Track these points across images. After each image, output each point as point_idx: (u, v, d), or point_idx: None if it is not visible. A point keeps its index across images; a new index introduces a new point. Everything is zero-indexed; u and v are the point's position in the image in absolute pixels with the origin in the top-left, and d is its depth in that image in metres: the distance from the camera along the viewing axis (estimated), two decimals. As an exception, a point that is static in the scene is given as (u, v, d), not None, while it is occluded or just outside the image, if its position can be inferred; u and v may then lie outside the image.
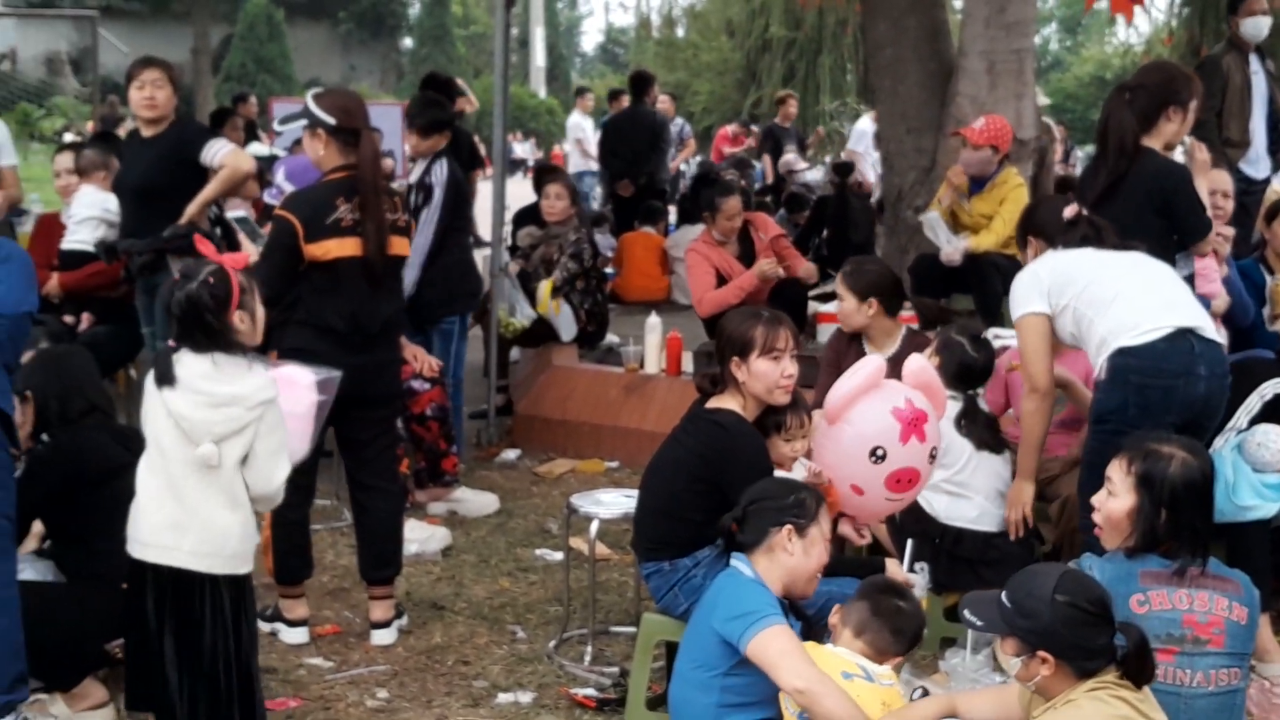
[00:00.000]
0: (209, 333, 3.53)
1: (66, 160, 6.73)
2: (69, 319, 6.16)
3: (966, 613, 3.20)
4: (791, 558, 3.57)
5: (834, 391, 4.08)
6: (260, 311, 3.67)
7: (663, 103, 14.47)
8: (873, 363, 4.11)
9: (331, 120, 4.58)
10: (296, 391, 3.75)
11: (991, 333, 5.99)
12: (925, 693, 3.62)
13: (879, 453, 3.99)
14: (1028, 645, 3.03)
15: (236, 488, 3.57)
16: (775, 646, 3.38)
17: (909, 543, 4.30)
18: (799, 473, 4.20)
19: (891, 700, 3.41)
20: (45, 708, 4.07)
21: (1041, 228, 4.81)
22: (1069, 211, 4.60)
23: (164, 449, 3.56)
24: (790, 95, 16.20)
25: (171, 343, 3.55)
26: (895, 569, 4.18)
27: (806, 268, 7.55)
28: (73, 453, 4.11)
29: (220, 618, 3.58)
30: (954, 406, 4.68)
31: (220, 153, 5.82)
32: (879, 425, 4.01)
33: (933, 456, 4.14)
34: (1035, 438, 4.60)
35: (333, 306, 4.55)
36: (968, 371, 4.81)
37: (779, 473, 4.02)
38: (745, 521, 3.63)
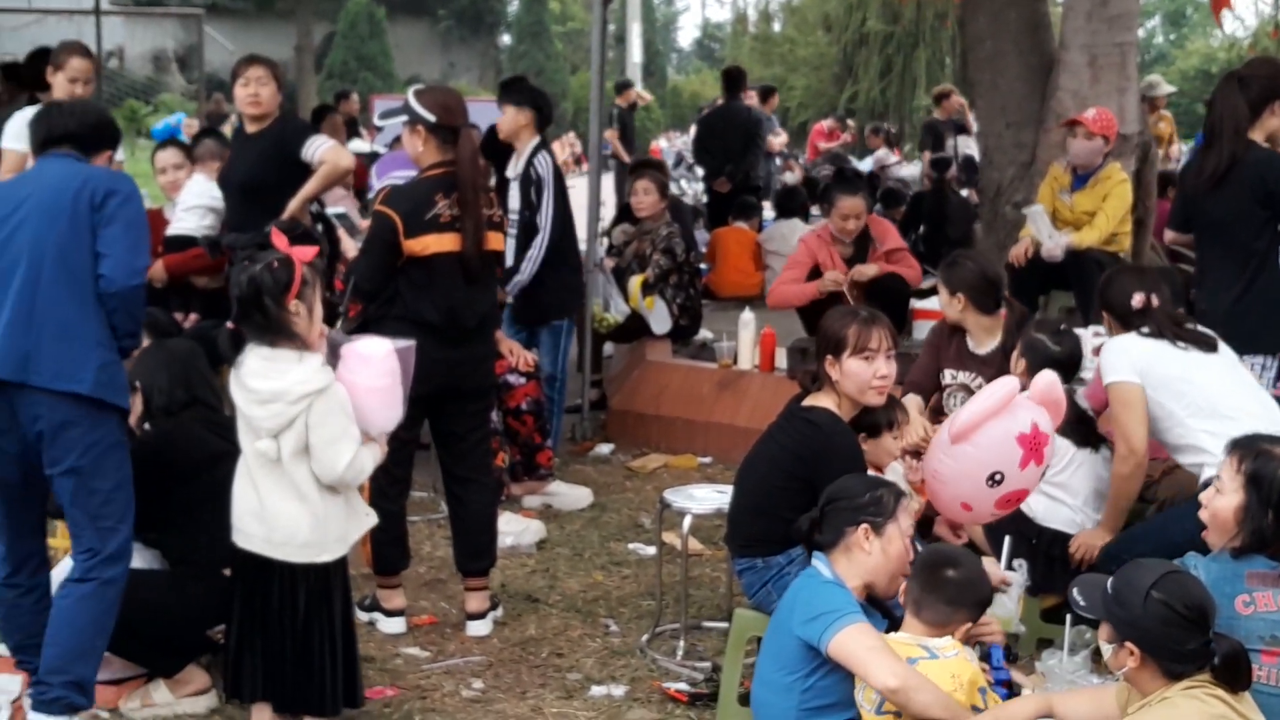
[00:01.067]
0: (265, 316, 3.64)
1: (171, 156, 6.77)
2: (178, 314, 6.26)
3: (1075, 592, 3.21)
4: (870, 557, 3.55)
5: (965, 411, 4.04)
6: (319, 310, 3.75)
7: (751, 98, 14.48)
8: (1006, 386, 4.05)
9: (431, 117, 4.63)
10: (373, 366, 3.80)
11: (1091, 330, 5.90)
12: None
13: (997, 478, 3.95)
14: (1118, 634, 3.04)
15: (299, 478, 3.68)
16: (861, 644, 3.36)
17: (1006, 540, 4.26)
18: (895, 473, 4.18)
19: (960, 671, 3.38)
20: (149, 694, 4.15)
21: (1113, 306, 4.69)
22: (1137, 300, 4.54)
23: (242, 441, 3.74)
24: (951, 90, 15.73)
25: (230, 324, 3.67)
26: (992, 567, 4.14)
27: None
28: (166, 444, 4.20)
29: (294, 605, 3.69)
30: None
31: (321, 149, 5.91)
32: (1003, 452, 3.96)
33: (1043, 474, 4.12)
34: (1126, 500, 4.57)
35: (430, 301, 4.59)
36: (1056, 367, 4.74)
37: (871, 473, 4.01)
38: (823, 521, 3.62)
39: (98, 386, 3.68)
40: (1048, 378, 4.18)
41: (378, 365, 3.80)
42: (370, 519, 3.90)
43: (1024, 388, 4.16)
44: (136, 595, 3.95)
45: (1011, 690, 3.68)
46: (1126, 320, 4.58)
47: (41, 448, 3.71)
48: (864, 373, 3.95)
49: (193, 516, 4.13)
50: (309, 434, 3.64)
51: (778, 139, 15.64)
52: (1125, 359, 4.47)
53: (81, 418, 3.69)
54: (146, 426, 4.28)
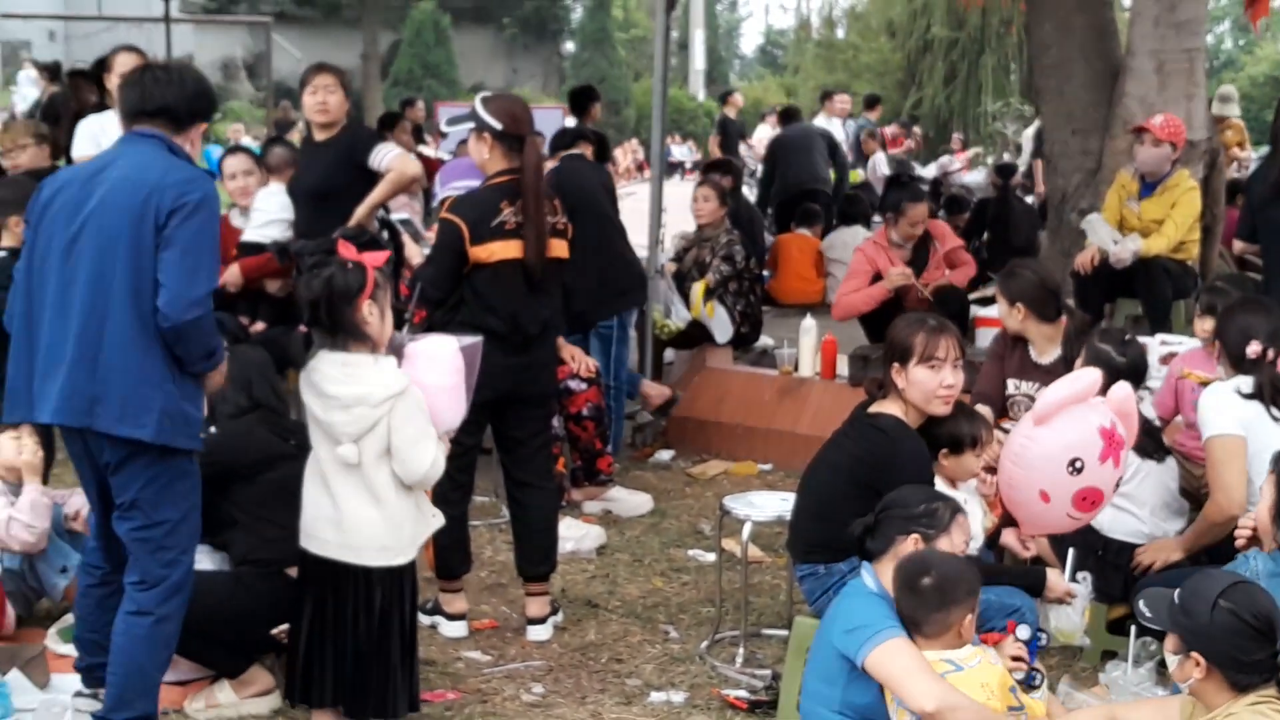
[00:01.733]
0: (339, 319, 3.65)
1: (241, 162, 6.82)
2: (245, 319, 6.33)
3: (1141, 603, 3.21)
4: None
5: (1049, 394, 4.02)
6: (390, 314, 3.77)
7: (844, 103, 14.64)
8: (1090, 375, 4.04)
9: (498, 125, 4.66)
10: (441, 365, 3.82)
11: (1159, 339, 5.85)
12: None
13: (1078, 464, 3.91)
14: (1184, 644, 3.03)
15: (378, 482, 3.68)
16: (898, 663, 3.32)
17: (1070, 552, 4.23)
18: (968, 488, 4.15)
19: (988, 678, 3.35)
20: (213, 694, 4.19)
21: (1227, 341, 4.59)
22: (1253, 350, 4.43)
23: (315, 447, 3.74)
24: None
25: (303, 327, 3.68)
26: (1057, 579, 4.11)
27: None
28: (229, 447, 4.22)
29: (370, 608, 3.70)
30: None
31: (388, 157, 5.96)
32: (1085, 437, 3.94)
33: (1117, 485, 4.08)
34: (1209, 538, 4.47)
35: (494, 308, 4.62)
36: (1121, 376, 4.69)
37: (941, 487, 3.98)
38: (876, 528, 3.59)
39: (161, 433, 3.55)
40: (1124, 389, 4.14)
41: (446, 364, 3.82)
42: (437, 520, 3.91)
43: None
44: (202, 597, 3.98)
45: (1035, 677, 3.60)
46: (1237, 361, 4.48)
47: (109, 477, 3.67)
48: (930, 382, 3.93)
49: (256, 517, 4.19)
50: (392, 436, 3.65)
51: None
52: (1231, 409, 4.36)
53: (144, 453, 3.59)
54: (212, 430, 4.34)
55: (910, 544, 3.51)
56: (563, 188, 5.44)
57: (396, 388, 3.66)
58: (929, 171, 16.22)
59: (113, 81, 6.28)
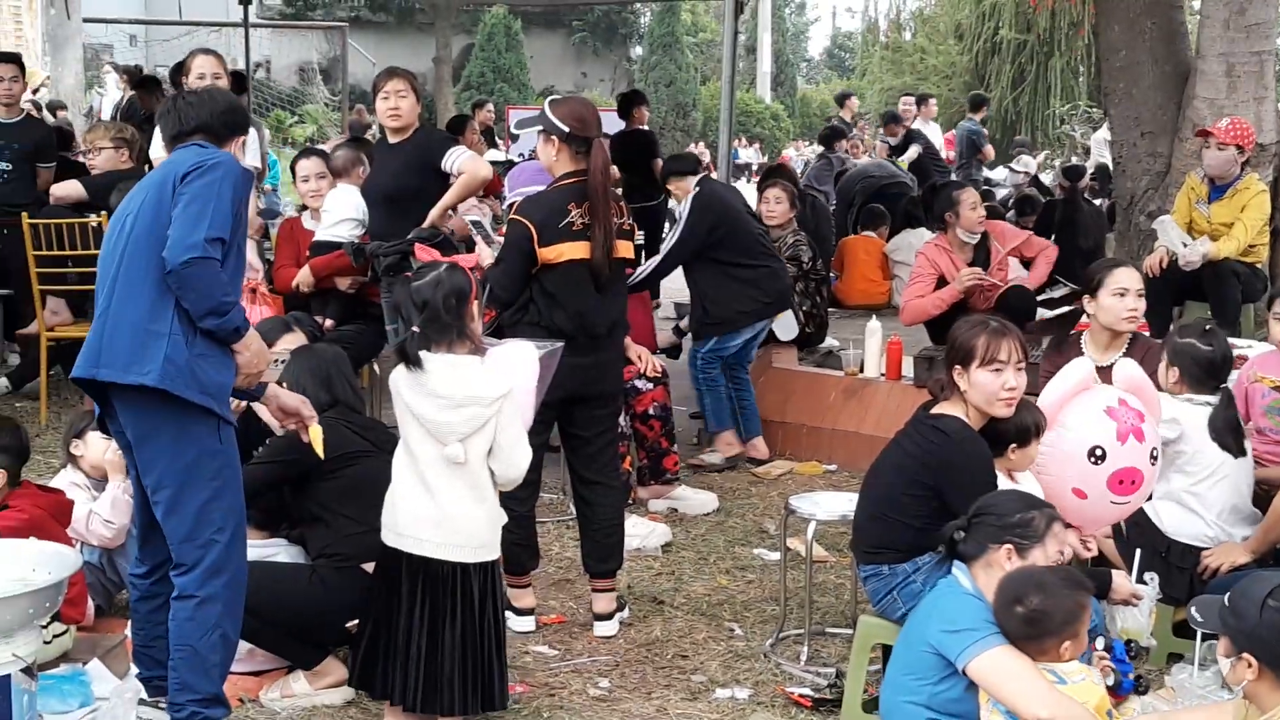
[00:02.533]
0: (451, 321, 3.70)
1: (313, 165, 6.89)
2: (319, 317, 6.43)
3: (1194, 609, 3.22)
4: None
5: (1044, 397, 4.08)
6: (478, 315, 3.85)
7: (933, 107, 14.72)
8: (1080, 367, 4.12)
9: (566, 128, 4.71)
10: (521, 369, 3.88)
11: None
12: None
13: (1098, 453, 3.95)
14: (1235, 646, 3.02)
15: (482, 480, 3.75)
16: (1007, 670, 3.31)
17: (1137, 553, 4.23)
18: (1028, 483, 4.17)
19: (1088, 697, 3.34)
20: (288, 685, 4.25)
21: None
22: None
23: (413, 446, 3.75)
24: None
25: (415, 328, 3.71)
26: (1123, 581, 4.11)
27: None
28: (302, 443, 4.29)
29: (469, 604, 3.73)
30: (1204, 411, 4.56)
31: (460, 159, 6.02)
32: (1094, 425, 4.02)
33: (1154, 458, 4.07)
34: (1274, 536, 4.47)
35: (562, 309, 4.69)
36: (1211, 367, 4.66)
37: (1004, 482, 4.00)
38: (969, 531, 3.57)
39: (165, 378, 3.48)
40: (1127, 366, 4.26)
41: (526, 368, 3.88)
42: (503, 516, 3.96)
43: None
44: (279, 589, 4.09)
45: (1139, 683, 3.64)
46: None
47: (135, 458, 3.66)
48: (992, 384, 3.93)
49: (334, 513, 4.25)
50: (498, 435, 3.71)
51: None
52: None
53: (162, 425, 3.56)
54: (291, 426, 4.43)
55: (1003, 555, 3.49)
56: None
57: (505, 388, 3.72)
58: (997, 174, 16.11)
59: (190, 83, 6.39)
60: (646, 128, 12.33)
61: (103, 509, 4.68)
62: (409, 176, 6.06)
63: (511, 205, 5.16)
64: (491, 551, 3.80)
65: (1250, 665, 2.99)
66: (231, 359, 3.66)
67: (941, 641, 3.42)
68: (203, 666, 3.69)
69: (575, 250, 4.67)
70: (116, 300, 3.58)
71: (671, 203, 7.15)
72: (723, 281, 6.85)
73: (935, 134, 14.28)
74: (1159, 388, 4.55)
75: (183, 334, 3.54)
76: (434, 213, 6.00)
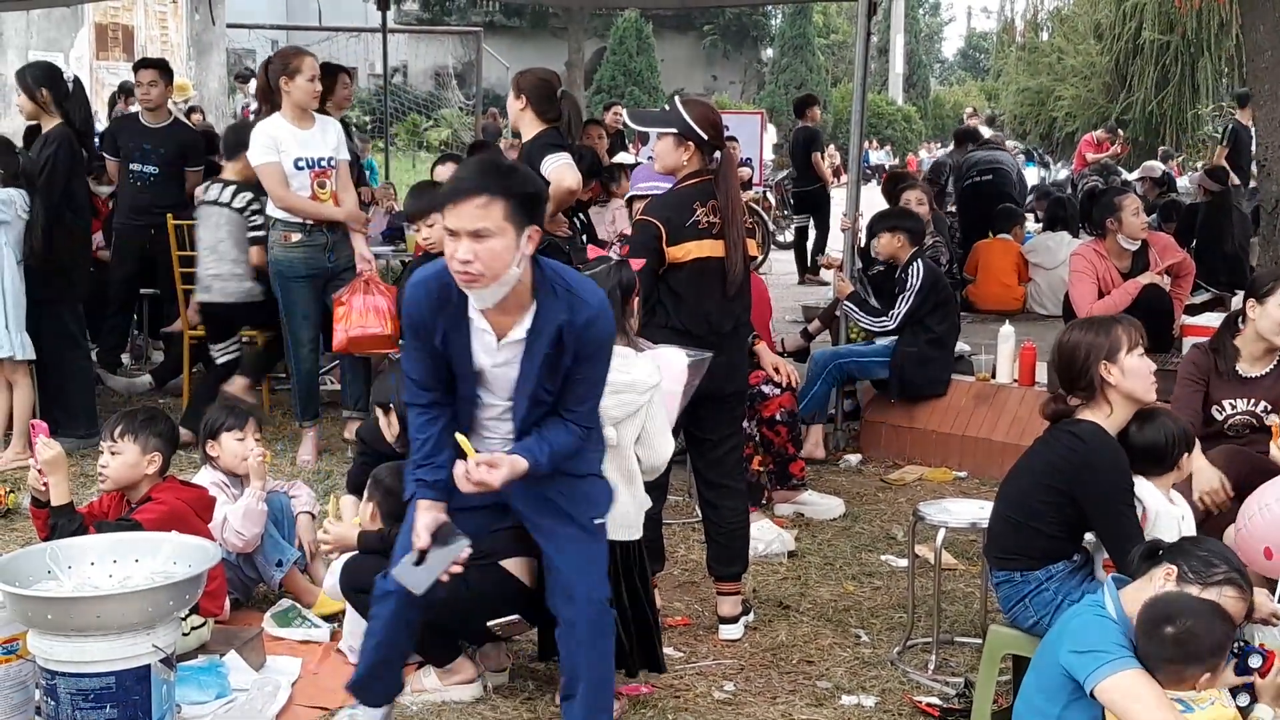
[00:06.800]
0: (615, 310, 3.80)
1: (448, 171, 7.08)
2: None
3: None
4: None
5: None
6: None
7: None
8: None
9: (703, 135, 4.71)
10: (673, 372, 4.11)
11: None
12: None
13: None
14: None
15: (631, 464, 3.99)
16: (1136, 695, 3.21)
17: (1280, 573, 4.10)
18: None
19: (1218, 716, 3.25)
20: (419, 680, 4.31)
21: None
22: None
23: None
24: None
25: None
26: (1264, 599, 3.99)
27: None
28: None
29: (617, 580, 3.95)
30: None
31: (552, 167, 5.82)
32: None
33: None
34: None
35: (689, 308, 4.70)
36: None
37: (1157, 497, 3.91)
38: (1148, 555, 3.50)
39: None
40: None
41: (674, 372, 4.09)
42: (647, 501, 4.18)
43: None
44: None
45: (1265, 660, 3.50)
46: None
47: None
48: (1145, 367, 3.90)
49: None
50: (647, 422, 3.98)
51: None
52: None
53: None
54: None
55: (1162, 573, 3.41)
56: None
57: (656, 379, 3.97)
58: (1132, 176, 15.77)
59: (298, 83, 6.48)
60: (814, 125, 14.20)
61: (235, 519, 4.75)
62: None
63: (630, 201, 5.17)
64: (635, 532, 4.04)
65: None
66: None
67: (1070, 662, 3.34)
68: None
69: (701, 249, 4.68)
70: None
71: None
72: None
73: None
74: None
75: None
76: None
